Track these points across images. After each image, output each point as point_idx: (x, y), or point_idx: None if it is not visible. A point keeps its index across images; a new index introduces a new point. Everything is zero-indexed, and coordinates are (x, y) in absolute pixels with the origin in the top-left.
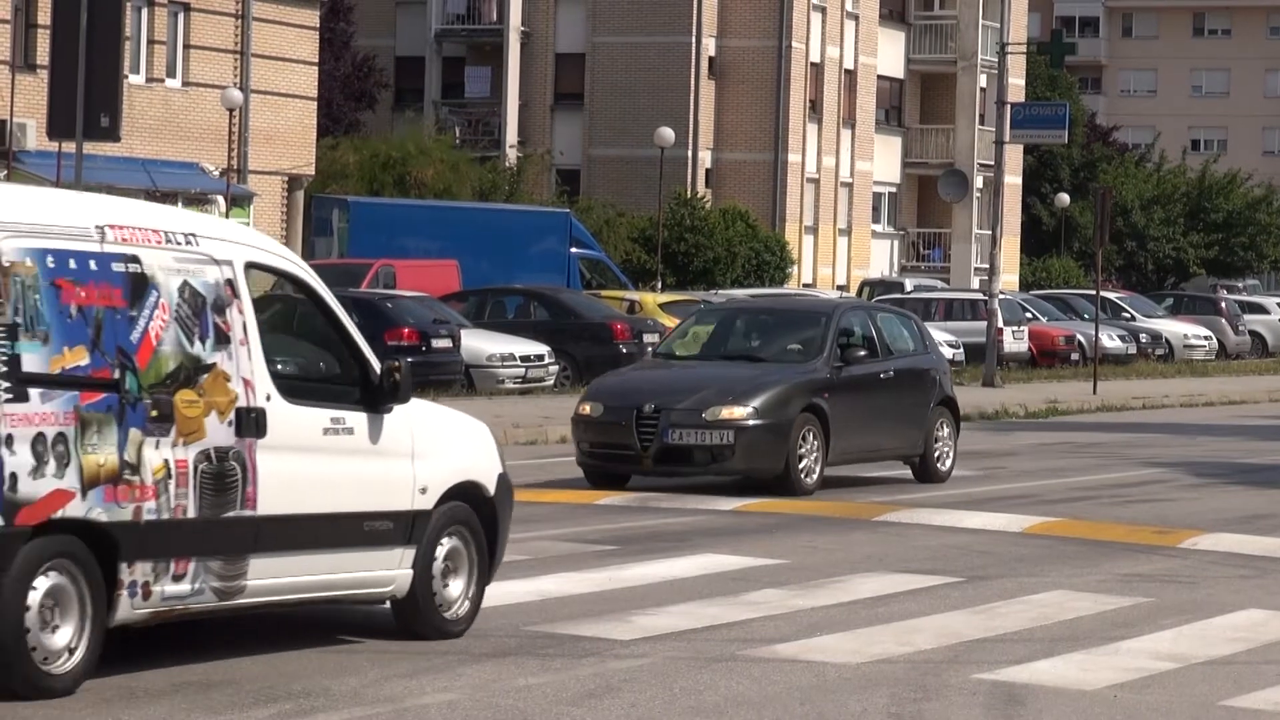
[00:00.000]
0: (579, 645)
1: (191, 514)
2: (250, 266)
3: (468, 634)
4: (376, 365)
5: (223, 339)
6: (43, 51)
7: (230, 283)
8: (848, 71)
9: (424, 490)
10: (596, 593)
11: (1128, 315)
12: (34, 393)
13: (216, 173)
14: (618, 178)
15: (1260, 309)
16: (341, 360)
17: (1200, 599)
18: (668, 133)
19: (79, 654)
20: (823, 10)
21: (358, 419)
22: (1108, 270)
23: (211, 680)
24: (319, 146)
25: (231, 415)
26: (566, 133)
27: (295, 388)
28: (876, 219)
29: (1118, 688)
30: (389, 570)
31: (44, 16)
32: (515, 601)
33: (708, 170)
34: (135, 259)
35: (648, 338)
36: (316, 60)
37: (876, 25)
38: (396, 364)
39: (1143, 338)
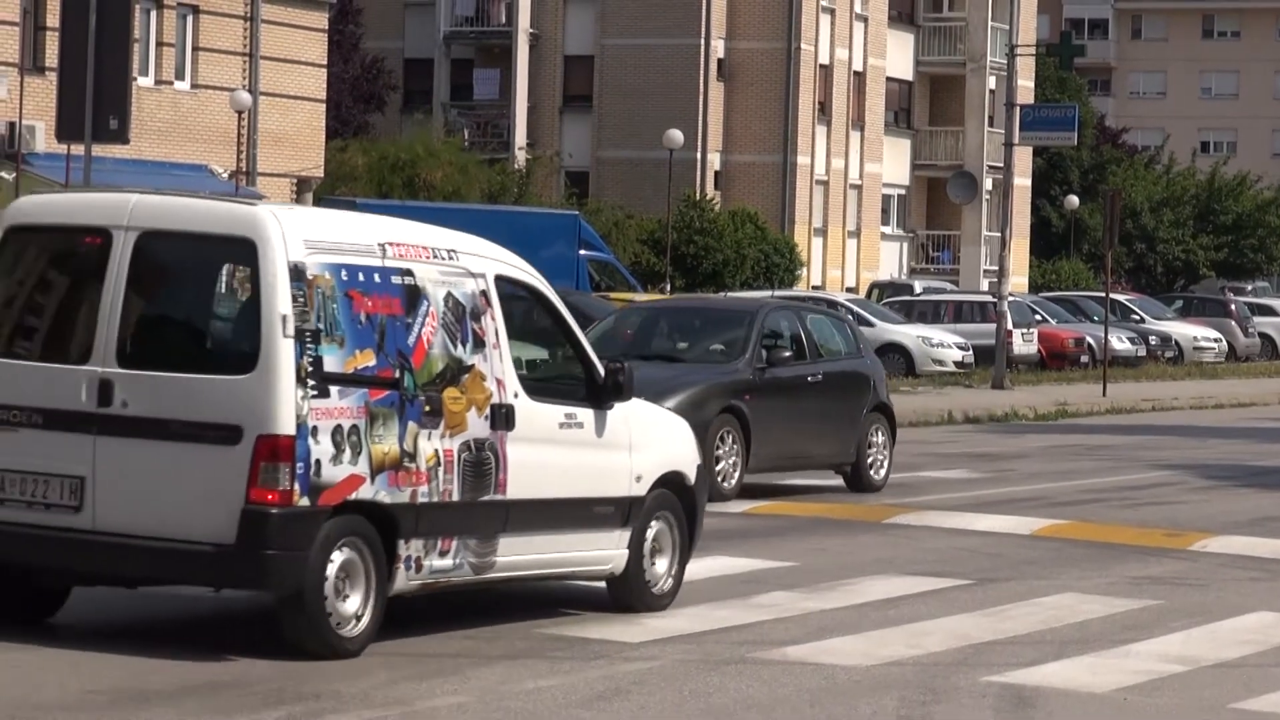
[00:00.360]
0: (589, 648)
1: (455, 497)
2: (499, 279)
3: (477, 636)
4: (601, 367)
5: (479, 343)
6: (51, 54)
7: (484, 293)
8: (857, 73)
9: (639, 479)
10: (606, 595)
11: (1137, 317)
12: (334, 390)
13: (225, 175)
14: (626, 180)
15: (1270, 311)
16: (570, 362)
17: (1210, 601)
18: (676, 135)
19: (365, 621)
20: (831, 12)
21: (586, 414)
22: (1117, 272)
23: (221, 682)
24: (328, 149)
25: (487, 411)
26: (575, 135)
27: (536, 387)
28: (885, 221)
29: (1127, 690)
30: (610, 550)
31: (53, 19)
32: (525, 604)
33: (716, 172)
34: (410, 273)
35: None
36: (325, 62)
37: (885, 27)
38: (619, 366)
39: (1152, 340)
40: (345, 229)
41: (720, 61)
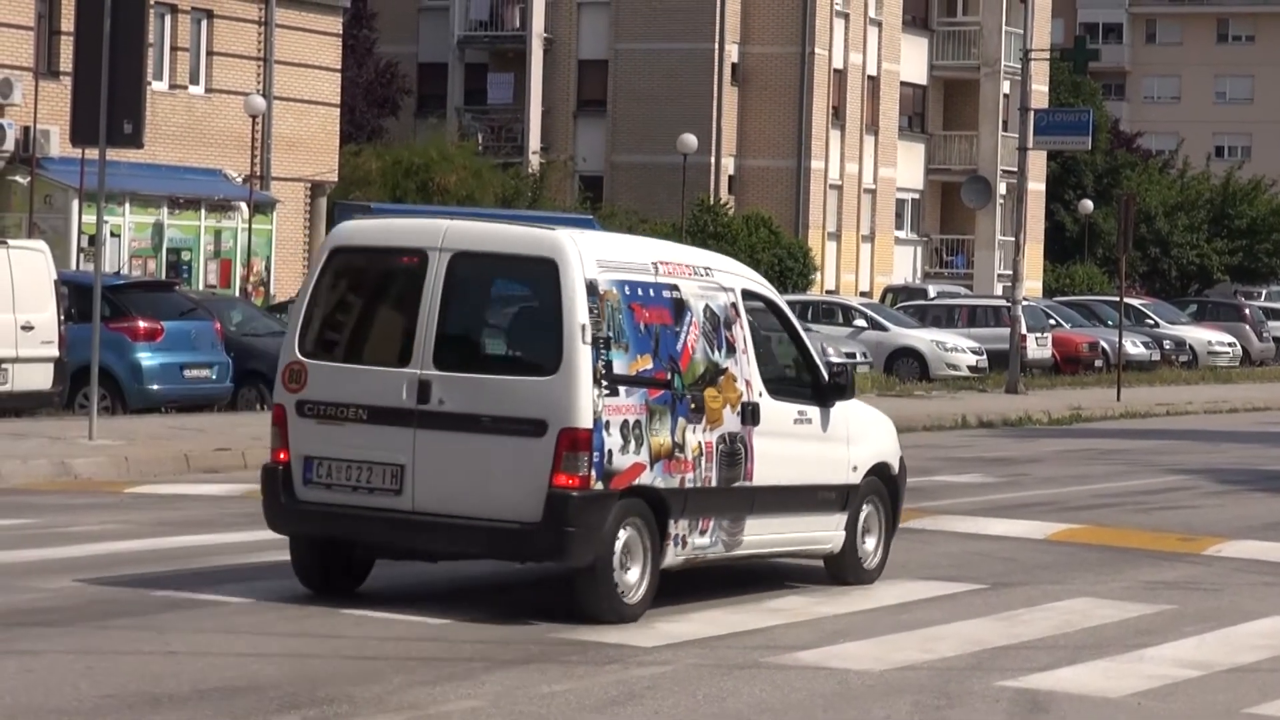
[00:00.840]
0: (602, 652)
1: (714, 483)
2: (744, 292)
3: (491, 640)
4: (825, 370)
5: (731, 349)
6: (66, 58)
7: (734, 305)
8: (871, 78)
9: (855, 468)
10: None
11: (1151, 322)
12: (621, 389)
13: (239, 179)
14: (640, 184)
15: None
16: (799, 365)
17: (1224, 606)
18: (690, 139)
19: (642, 590)
20: (846, 17)
21: (814, 411)
22: (1131, 277)
23: (235, 686)
24: (342, 153)
25: (739, 408)
26: (589, 139)
27: (774, 387)
28: (900, 225)
29: (1141, 695)
30: (831, 531)
31: (67, 23)
32: (539, 608)
33: (730, 177)
34: (676, 288)
35: None
36: (339, 67)
37: (899, 31)
38: (841, 369)
39: (1166, 344)
40: (627, 250)
41: (734, 66)
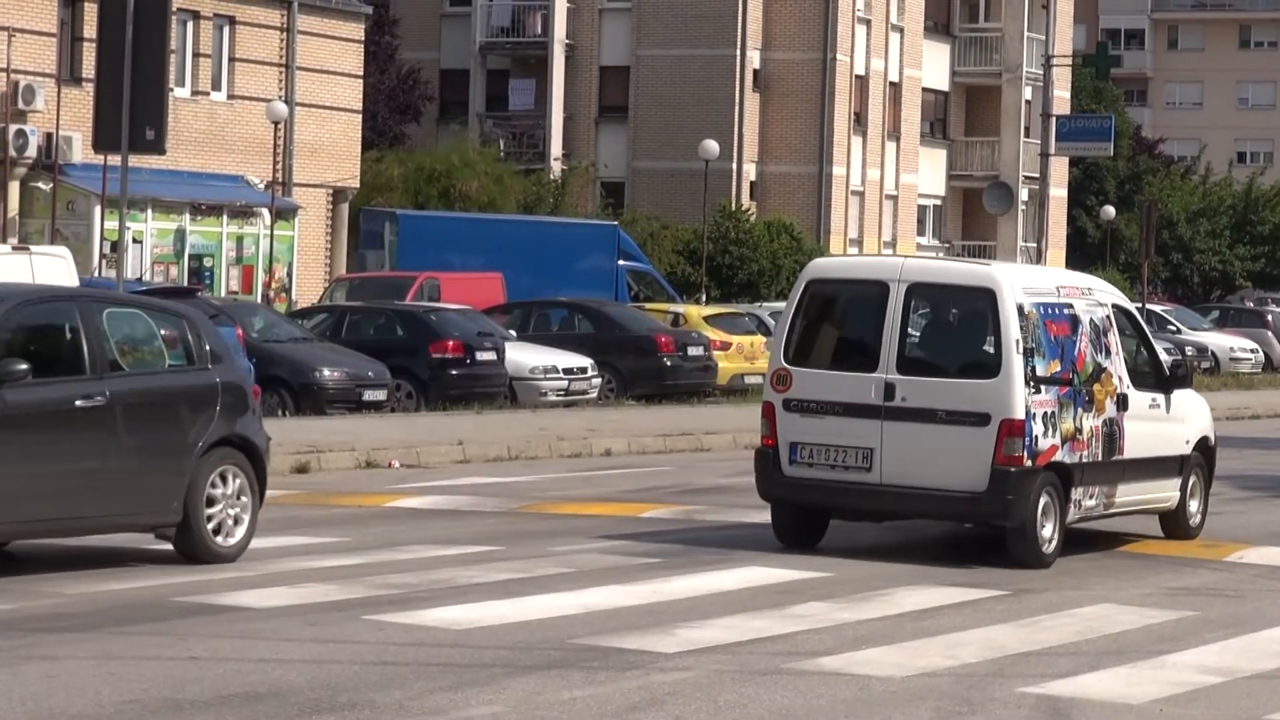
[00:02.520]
0: (623, 658)
1: (1099, 458)
2: (1114, 306)
3: (512, 646)
4: (1166, 363)
5: (1108, 352)
6: (88, 65)
7: (1108, 316)
8: (892, 84)
9: (1187, 442)
10: (641, 605)
11: (1173, 328)
12: (1042, 388)
13: (261, 185)
14: (662, 190)
15: None
16: (1148, 362)
17: (1246, 613)
18: (712, 145)
19: (1054, 543)
20: (867, 23)
21: (1160, 398)
22: (1153, 283)
23: (257, 692)
24: (364, 159)
25: (1114, 398)
26: (611, 145)
27: (1134, 380)
28: (921, 231)
29: (1163, 702)
30: (1171, 493)
31: (90, 30)
32: (560, 614)
33: (752, 183)
34: (1071, 305)
35: (692, 350)
36: (361, 73)
37: (921, 38)
38: (1179, 363)
39: (1189, 351)
40: (1039, 278)
41: (756, 72)
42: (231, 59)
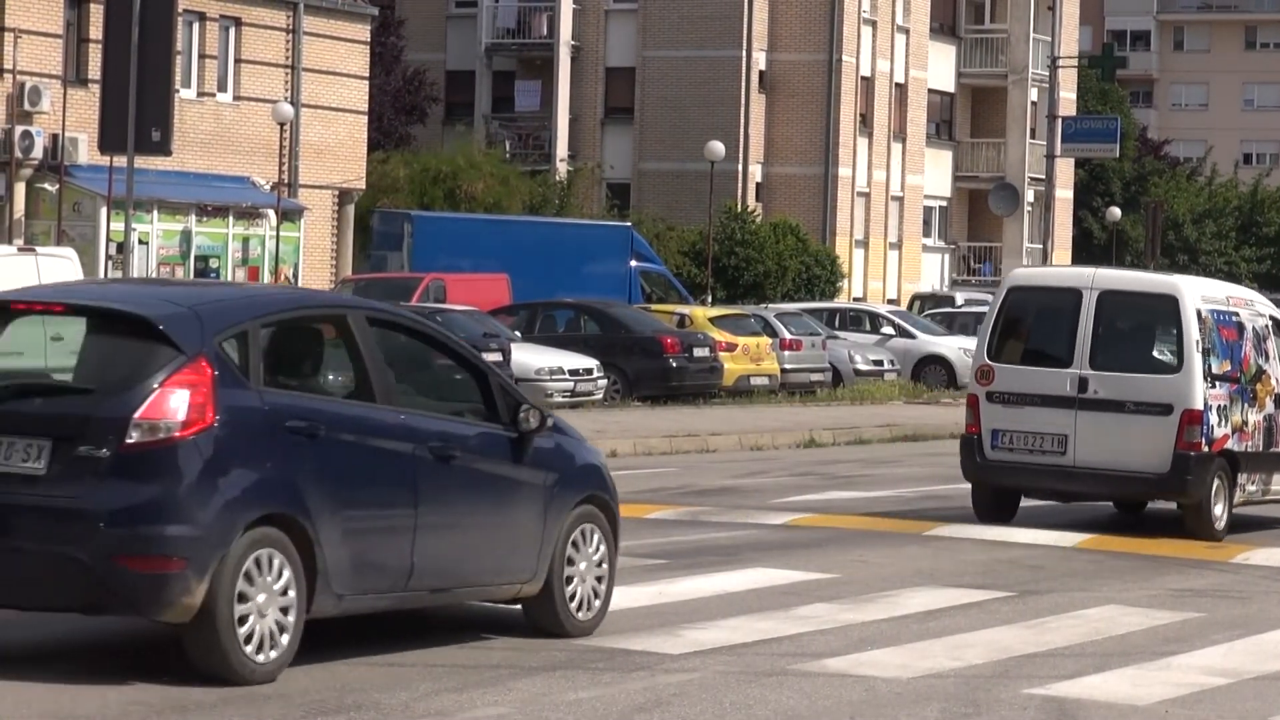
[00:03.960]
0: (629, 659)
1: (1260, 449)
2: (1271, 317)
3: (517, 648)
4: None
5: (1267, 356)
6: (94, 66)
7: (1267, 326)
8: (898, 85)
9: None
10: (646, 606)
11: None
12: (1217, 384)
13: (267, 187)
14: (668, 191)
15: None
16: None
17: (1252, 614)
18: (718, 146)
19: (1223, 521)
20: (873, 24)
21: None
22: None
23: (262, 694)
24: (369, 160)
25: (1273, 397)
26: (617, 146)
27: None
28: (927, 233)
29: (1169, 703)
30: None
31: (96, 31)
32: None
33: (758, 184)
34: (1238, 314)
35: (698, 351)
36: (367, 74)
37: (927, 39)
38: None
39: None
40: (1212, 289)
41: (761, 73)
42: (237, 60)
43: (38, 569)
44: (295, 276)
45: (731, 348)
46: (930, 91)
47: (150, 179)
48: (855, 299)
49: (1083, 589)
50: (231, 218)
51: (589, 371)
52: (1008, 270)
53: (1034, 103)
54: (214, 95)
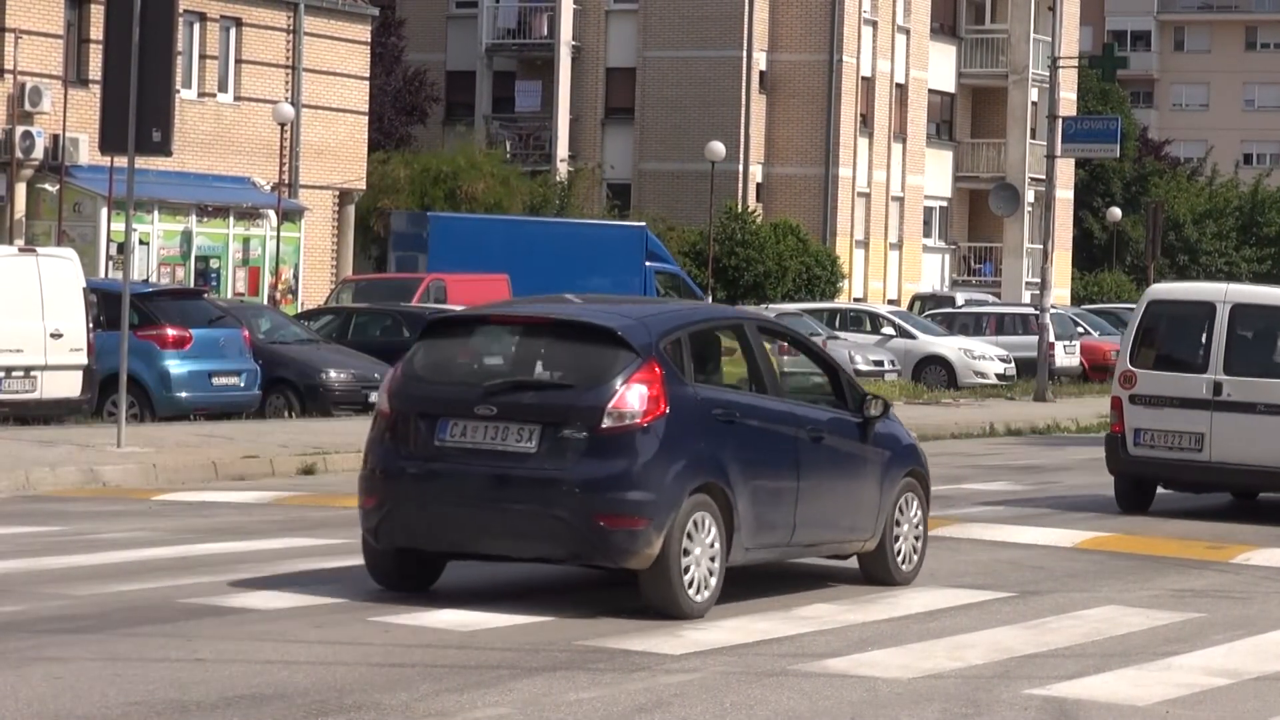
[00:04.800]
0: (630, 659)
1: None
2: None
3: (518, 648)
4: None
5: None
6: (95, 67)
7: None
8: (899, 85)
9: None
10: (645, 604)
11: None
12: None
13: (268, 187)
14: (668, 192)
15: None
16: None
17: (1253, 614)
18: (718, 147)
19: None
20: (874, 24)
21: None
22: None
23: (262, 694)
24: (370, 161)
25: None
26: (617, 147)
27: None
28: (928, 233)
29: (1170, 704)
30: None
31: (96, 32)
32: (566, 615)
33: (758, 184)
34: None
35: None
36: (368, 75)
37: (927, 39)
38: None
39: None
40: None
41: (762, 74)
42: (238, 61)
43: (531, 527)
44: (295, 277)
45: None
46: (931, 92)
47: (151, 179)
48: (856, 299)
49: (1083, 589)
50: (232, 218)
51: None
52: (1008, 270)
53: (1034, 103)
54: (214, 95)
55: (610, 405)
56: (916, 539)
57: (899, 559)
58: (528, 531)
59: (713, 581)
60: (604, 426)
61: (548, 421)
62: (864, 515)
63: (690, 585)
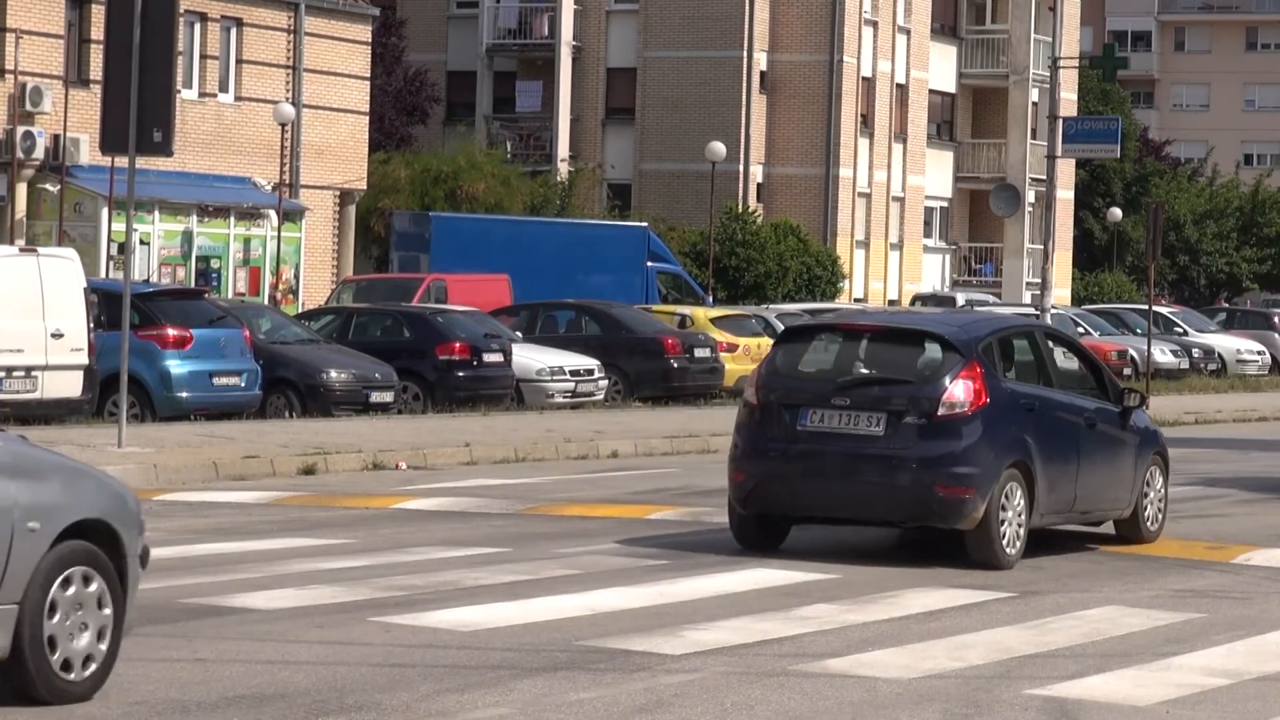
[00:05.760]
0: (630, 660)
1: None
2: None
3: (519, 648)
4: None
5: None
6: (96, 67)
7: None
8: (899, 86)
9: None
10: (648, 607)
11: (1180, 330)
12: None
13: (269, 187)
14: (669, 192)
15: None
16: None
17: (1253, 615)
18: (719, 147)
19: None
20: (874, 25)
21: None
22: (1160, 285)
23: (263, 694)
24: (370, 161)
25: None
26: (617, 147)
27: None
28: (928, 233)
29: (1170, 704)
30: None
31: (97, 32)
32: (567, 616)
33: (759, 185)
34: None
35: (699, 352)
36: (368, 75)
37: (928, 39)
38: None
39: (1195, 352)
40: None
41: (763, 74)
42: (238, 61)
43: (879, 496)
44: (296, 277)
45: (733, 348)
46: (931, 92)
47: (151, 179)
48: (856, 300)
49: (1084, 589)
50: (233, 218)
51: (590, 372)
52: (1008, 270)
53: (1035, 103)
54: (215, 96)
55: (944, 397)
56: (1159, 508)
57: (1148, 522)
58: (875, 500)
59: (1019, 541)
60: (939, 414)
61: (892, 410)
62: (1124, 489)
63: (1005, 542)
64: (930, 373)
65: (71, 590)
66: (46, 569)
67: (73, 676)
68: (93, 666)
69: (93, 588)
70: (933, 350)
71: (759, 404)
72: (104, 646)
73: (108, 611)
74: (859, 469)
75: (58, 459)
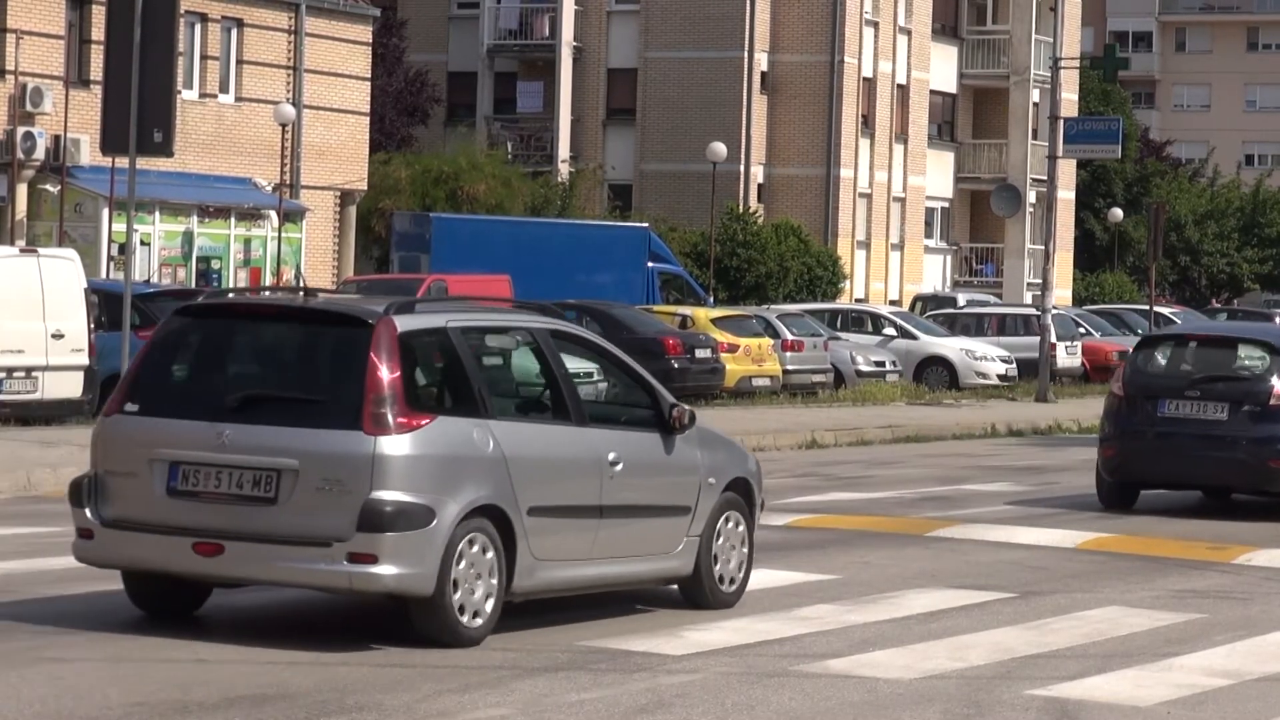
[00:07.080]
0: (631, 660)
1: None
2: None
3: (520, 649)
4: None
5: None
6: (97, 67)
7: None
8: (900, 86)
9: None
10: (648, 607)
11: None
12: None
13: (269, 188)
14: (669, 192)
15: None
16: None
17: (1254, 615)
18: (720, 148)
19: None
20: (875, 25)
21: None
22: (1161, 285)
23: (265, 694)
24: (371, 161)
25: None
26: (618, 147)
27: None
28: (929, 234)
29: (1171, 704)
30: None
31: (98, 32)
32: (567, 616)
33: (760, 185)
34: None
35: (699, 352)
36: (369, 75)
37: (929, 40)
38: None
39: None
40: None
41: (763, 74)
42: (239, 61)
43: (1222, 469)
44: (297, 277)
45: (733, 349)
46: (932, 92)
47: (152, 180)
48: (857, 300)
49: (1085, 590)
50: (233, 219)
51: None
52: (1009, 270)
53: (1036, 104)
54: (216, 96)
55: (1275, 390)
56: None
57: None
58: (1219, 472)
59: None
60: (1271, 404)
61: (1233, 400)
62: None
63: None
64: (1263, 370)
65: (730, 524)
66: (715, 510)
67: (727, 588)
68: (734, 586)
69: (741, 528)
70: (1260, 353)
71: (1125, 396)
72: (744, 572)
73: (745, 544)
74: (1207, 448)
75: (719, 434)
